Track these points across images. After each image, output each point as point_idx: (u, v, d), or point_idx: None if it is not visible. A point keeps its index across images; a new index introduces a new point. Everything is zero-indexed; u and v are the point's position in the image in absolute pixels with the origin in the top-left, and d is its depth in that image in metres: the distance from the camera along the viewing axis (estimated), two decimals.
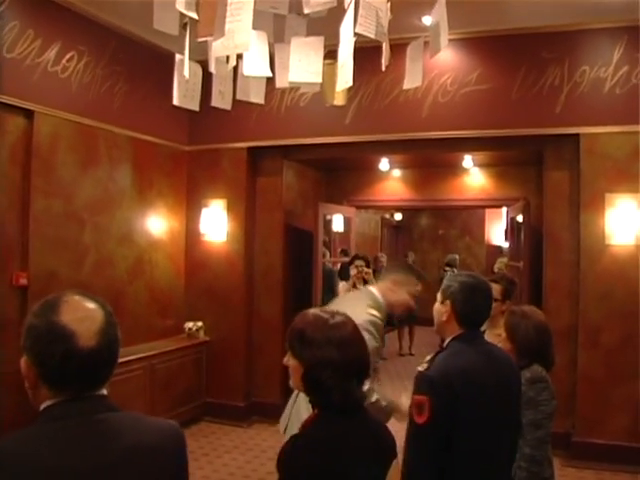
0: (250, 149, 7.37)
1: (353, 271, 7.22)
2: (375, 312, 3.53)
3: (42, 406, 1.44)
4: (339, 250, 9.10)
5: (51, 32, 5.70)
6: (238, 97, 3.83)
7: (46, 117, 5.71)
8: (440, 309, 2.67)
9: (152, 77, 6.89)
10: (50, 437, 1.38)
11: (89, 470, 1.35)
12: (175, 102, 3.47)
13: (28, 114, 5.60)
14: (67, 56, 5.89)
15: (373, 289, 3.76)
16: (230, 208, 7.37)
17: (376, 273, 7.21)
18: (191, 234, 7.58)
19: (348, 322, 1.96)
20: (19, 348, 4.50)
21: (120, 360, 4.91)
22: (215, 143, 7.48)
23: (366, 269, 7.27)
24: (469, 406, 2.37)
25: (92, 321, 1.43)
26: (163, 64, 6.70)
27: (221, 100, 3.56)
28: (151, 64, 6.89)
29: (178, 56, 3.37)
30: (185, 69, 3.14)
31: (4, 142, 5.42)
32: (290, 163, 7.69)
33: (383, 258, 11.98)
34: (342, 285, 7.37)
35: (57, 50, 5.77)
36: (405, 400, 3.28)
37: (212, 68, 3.35)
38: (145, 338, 6.74)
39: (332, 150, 7.20)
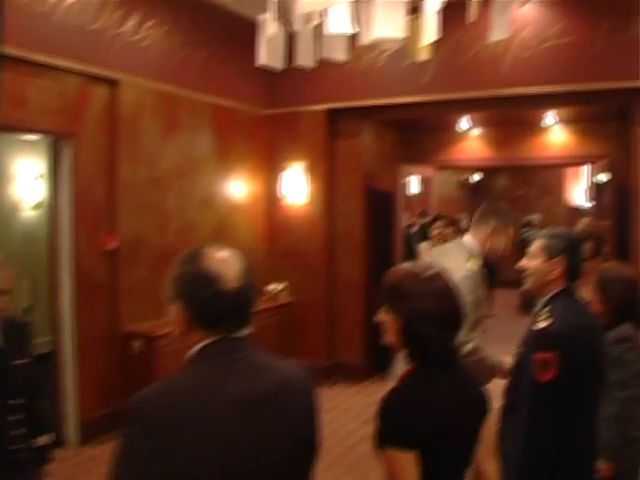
0: (329, 111, 7.36)
1: (435, 232, 7.18)
2: (472, 264, 3.48)
3: (197, 347, 1.56)
4: (418, 212, 9.05)
5: (131, 2, 5.81)
6: (322, 56, 3.81)
7: (129, 86, 5.85)
8: (546, 268, 2.67)
9: (230, 42, 6.95)
10: (209, 374, 1.51)
11: (250, 400, 1.49)
12: (260, 61, 3.49)
13: (112, 83, 5.75)
14: (147, 25, 5.99)
15: (467, 238, 3.68)
16: (310, 170, 7.41)
17: (457, 235, 7.13)
18: (271, 197, 7.67)
19: (442, 274, 1.98)
20: (109, 307, 4.70)
21: None
22: (293, 106, 7.50)
23: (447, 230, 7.20)
24: (585, 361, 2.39)
25: (233, 265, 1.57)
26: (240, 29, 6.80)
27: (305, 58, 3.55)
28: (228, 29, 6.94)
29: (262, 16, 3.38)
30: (270, 27, 3.14)
31: (91, 111, 5.60)
32: (369, 124, 7.65)
33: (464, 220, 11.83)
34: (423, 246, 7.33)
35: (137, 19, 5.88)
36: (507, 359, 3.26)
37: (296, 26, 3.35)
38: None
39: (411, 110, 7.13)
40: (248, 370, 1.53)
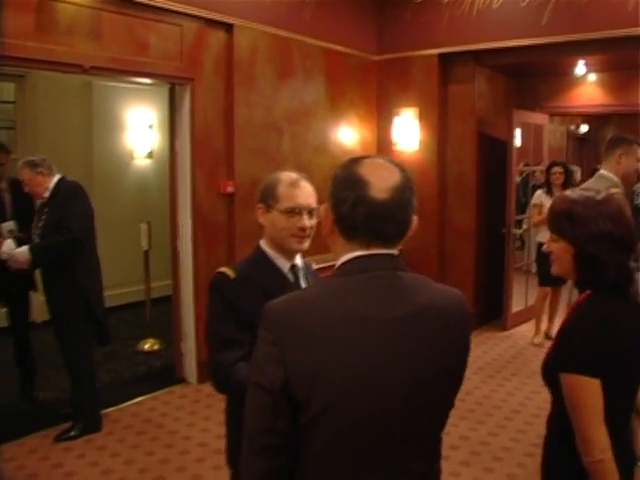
0: (441, 56, 7.17)
1: (552, 177, 6.94)
2: (618, 190, 3.59)
3: (338, 262, 1.50)
4: (522, 162, 8.77)
5: None
6: None
7: (244, 30, 5.85)
8: None
9: None
10: (350, 288, 1.44)
11: (387, 319, 1.41)
12: None
13: (228, 28, 5.76)
14: None
15: (603, 172, 3.88)
16: (421, 116, 7.27)
17: (567, 185, 6.86)
18: (383, 143, 7.57)
19: (613, 197, 1.90)
20: (226, 250, 4.82)
21: (319, 266, 5.08)
22: (404, 51, 7.35)
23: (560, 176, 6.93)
24: None
25: (388, 178, 1.47)
26: None
27: None
28: None
29: None
30: None
31: (208, 56, 5.64)
32: (482, 69, 7.42)
33: (577, 172, 11.40)
34: (539, 193, 7.11)
35: None
36: None
37: None
38: None
39: (526, 53, 6.84)
40: (387, 290, 1.45)
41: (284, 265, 2.29)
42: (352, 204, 1.44)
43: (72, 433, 4.73)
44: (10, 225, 5.07)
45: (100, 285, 4.89)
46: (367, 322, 1.40)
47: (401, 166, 1.53)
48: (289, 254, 2.30)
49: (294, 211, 2.22)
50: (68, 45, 4.67)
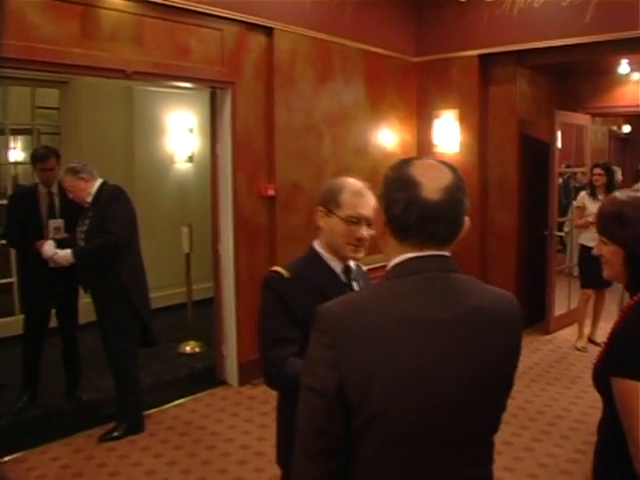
0: (481, 56, 7.11)
1: (592, 179, 6.84)
2: None
3: (390, 264, 1.50)
4: (564, 163, 8.66)
5: None
6: None
7: (284, 33, 5.88)
8: None
9: None
10: (403, 290, 1.44)
11: (441, 321, 1.41)
12: None
13: (268, 32, 5.80)
14: None
15: None
16: (462, 118, 7.22)
17: (610, 186, 6.74)
18: (423, 145, 7.54)
19: None
20: (267, 252, 4.85)
21: (374, 266, 4.98)
22: (444, 52, 7.30)
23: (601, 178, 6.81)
24: None
25: (440, 178, 1.46)
26: None
27: None
28: None
29: None
30: None
31: (249, 59, 5.68)
32: (523, 70, 7.34)
33: (618, 172, 11.21)
34: (582, 195, 7.01)
35: None
36: None
37: None
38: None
39: (568, 53, 6.75)
40: (440, 291, 1.44)
41: (337, 266, 2.30)
42: (404, 205, 1.44)
43: (116, 433, 4.79)
44: (58, 223, 5.17)
45: (145, 287, 4.95)
46: (421, 324, 1.40)
47: (452, 167, 1.52)
48: (343, 258, 2.30)
49: (354, 220, 2.23)
50: (111, 51, 4.74)
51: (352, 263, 2.35)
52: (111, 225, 4.60)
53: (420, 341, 1.39)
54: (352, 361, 1.37)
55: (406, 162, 1.51)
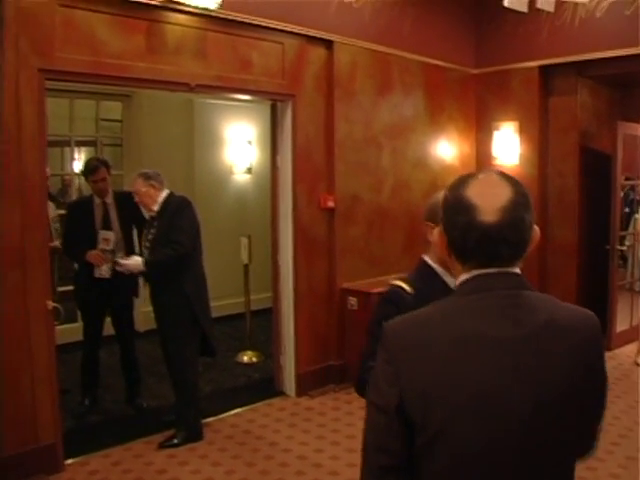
0: (541, 67, 7.02)
1: None
2: None
3: (457, 281, 1.50)
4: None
5: None
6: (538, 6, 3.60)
7: (344, 46, 5.92)
8: None
9: (439, 0, 6.83)
10: (469, 307, 1.43)
11: (506, 338, 1.38)
12: (505, 3, 3.36)
13: (328, 45, 5.85)
14: None
15: None
16: (522, 130, 7.14)
17: None
18: (482, 158, 7.48)
19: None
20: (326, 264, 4.86)
21: None
22: (503, 64, 7.24)
23: None
24: None
25: (497, 198, 1.43)
26: None
27: (545, 2, 3.38)
28: None
29: None
30: None
31: (309, 72, 5.73)
32: (584, 80, 7.22)
33: None
34: None
35: None
36: None
37: None
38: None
39: (631, 63, 6.56)
40: (507, 308, 1.41)
41: (451, 282, 2.29)
42: (462, 230, 1.43)
43: (175, 440, 4.85)
44: (107, 234, 5.24)
45: (206, 297, 5.01)
46: (484, 340, 1.38)
47: (513, 180, 1.48)
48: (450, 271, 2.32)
49: None
50: (176, 64, 4.84)
51: None
52: (181, 236, 4.68)
53: (483, 358, 1.37)
54: (410, 377, 1.37)
55: (463, 182, 1.48)
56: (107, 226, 5.34)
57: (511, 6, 3.31)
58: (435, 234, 1.55)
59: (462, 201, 1.44)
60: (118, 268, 4.87)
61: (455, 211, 1.45)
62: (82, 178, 8.85)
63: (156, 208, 4.84)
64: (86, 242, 5.22)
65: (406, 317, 1.49)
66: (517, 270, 1.47)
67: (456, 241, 1.46)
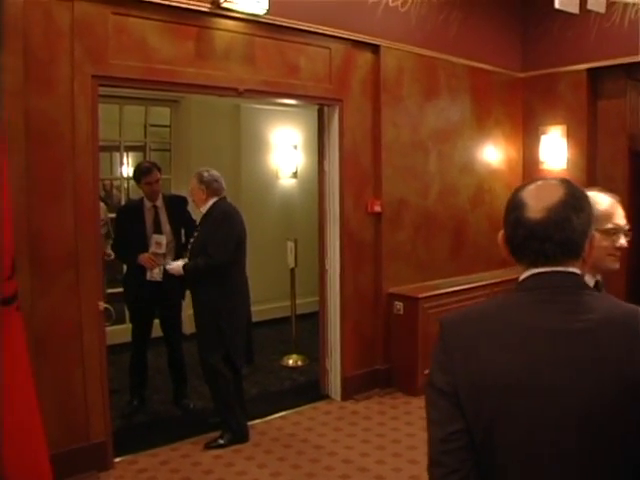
0: (590, 70, 6.92)
1: None
2: None
3: (520, 279, 1.55)
4: None
5: None
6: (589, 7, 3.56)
7: (390, 51, 5.92)
8: None
9: (484, 4, 6.81)
10: (521, 302, 1.49)
11: (561, 330, 1.41)
12: (556, 5, 3.32)
13: (375, 49, 5.86)
14: None
15: None
16: (569, 134, 7.04)
17: None
18: (529, 162, 7.40)
19: None
20: (373, 268, 4.85)
21: (463, 287, 5.03)
22: (551, 67, 7.16)
23: None
24: None
25: (546, 198, 1.48)
26: None
27: (595, 2, 3.34)
28: None
29: None
30: None
31: (356, 77, 5.75)
32: (634, 83, 7.08)
33: None
34: None
35: None
36: None
37: None
38: (486, 266, 6.74)
39: None
40: (562, 304, 1.44)
41: (590, 281, 2.28)
42: (514, 226, 1.51)
43: (221, 441, 4.89)
44: (160, 238, 5.33)
45: (242, 310, 5.04)
46: (539, 332, 1.42)
47: (570, 184, 1.52)
48: (597, 271, 2.31)
49: (613, 231, 2.33)
50: (224, 70, 4.90)
51: (598, 276, 2.33)
52: (211, 249, 4.72)
53: (535, 349, 1.41)
54: (463, 366, 1.44)
55: (525, 184, 1.57)
56: (158, 229, 5.42)
57: (562, 7, 3.27)
58: (499, 236, 1.59)
59: (516, 199, 1.53)
60: (169, 270, 4.96)
61: (510, 209, 1.53)
62: (130, 182, 9.04)
63: (203, 211, 4.91)
64: (137, 245, 5.31)
65: (465, 310, 1.57)
66: (574, 270, 1.50)
67: (511, 238, 1.53)
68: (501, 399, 1.39)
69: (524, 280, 1.52)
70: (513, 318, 1.46)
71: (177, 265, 4.89)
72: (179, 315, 5.74)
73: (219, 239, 4.76)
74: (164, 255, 5.29)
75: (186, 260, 4.92)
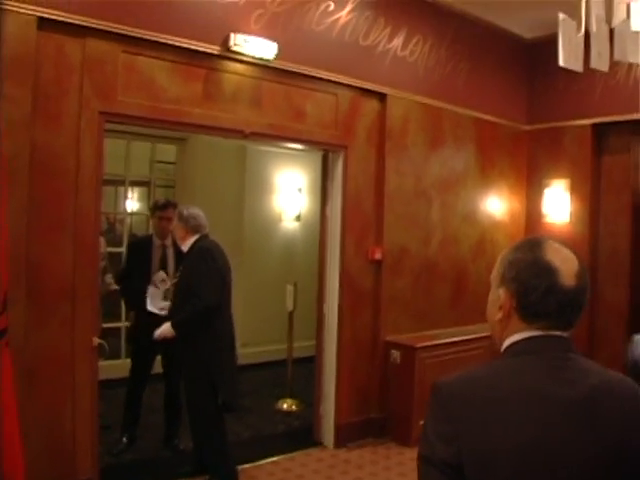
0: (595, 126, 6.97)
1: None
2: None
3: (507, 342, 1.51)
4: None
5: (398, 19, 5.93)
6: (616, 58, 3.60)
7: (397, 99, 5.97)
8: None
9: (491, 56, 6.90)
10: (524, 367, 1.44)
11: (561, 399, 1.38)
12: (561, 63, 3.34)
13: (381, 97, 5.91)
14: (413, 40, 6.07)
15: None
16: (573, 188, 7.06)
17: None
18: (532, 215, 7.41)
19: None
20: (371, 315, 4.80)
21: (461, 338, 5.01)
22: (556, 121, 7.21)
23: None
24: None
25: (572, 263, 1.48)
26: (502, 43, 6.85)
27: (599, 61, 3.37)
28: (490, 43, 6.89)
29: (562, 15, 3.25)
30: (572, 28, 3.02)
31: (362, 124, 5.80)
32: (639, 139, 7.14)
33: None
34: None
35: (404, 35, 5.99)
36: None
37: (593, 27, 3.18)
38: (485, 318, 6.68)
39: None
40: (562, 370, 1.42)
41: None
42: (544, 293, 1.44)
43: None
44: (161, 275, 5.29)
45: (228, 354, 4.83)
46: (544, 400, 1.38)
47: (572, 248, 1.53)
48: None
49: None
50: (231, 112, 4.94)
51: None
52: (200, 289, 4.57)
53: (543, 417, 1.37)
54: (472, 437, 1.36)
55: (535, 245, 1.51)
56: (164, 268, 5.41)
57: (566, 65, 3.28)
58: (495, 295, 1.54)
59: (542, 263, 1.46)
60: (158, 337, 4.79)
61: (535, 273, 1.46)
62: (133, 217, 9.07)
63: (185, 249, 4.84)
64: (142, 282, 5.27)
65: (462, 376, 1.49)
66: (567, 334, 1.50)
67: (533, 304, 1.46)
68: (513, 472, 1.34)
69: (518, 343, 1.48)
70: (518, 385, 1.41)
71: (165, 327, 4.71)
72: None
73: (204, 277, 4.60)
74: (168, 290, 5.23)
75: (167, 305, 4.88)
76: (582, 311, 1.49)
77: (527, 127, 7.44)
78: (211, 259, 4.70)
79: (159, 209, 5.50)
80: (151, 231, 5.95)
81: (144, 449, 5.52)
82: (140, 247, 5.60)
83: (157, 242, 5.51)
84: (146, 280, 5.30)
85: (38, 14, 3.90)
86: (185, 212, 4.84)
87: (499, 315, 1.52)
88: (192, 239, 4.80)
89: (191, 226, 4.80)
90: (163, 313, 5.11)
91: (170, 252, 5.50)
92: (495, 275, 1.56)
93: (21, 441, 3.28)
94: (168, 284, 5.26)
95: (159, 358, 5.55)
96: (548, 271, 1.44)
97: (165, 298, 5.19)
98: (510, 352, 1.49)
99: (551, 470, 1.34)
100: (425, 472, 1.42)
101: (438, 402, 1.43)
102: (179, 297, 4.77)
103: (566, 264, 1.46)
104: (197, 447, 4.97)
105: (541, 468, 1.34)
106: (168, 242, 5.49)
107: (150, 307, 5.18)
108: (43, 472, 3.97)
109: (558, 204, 7.13)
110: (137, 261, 5.44)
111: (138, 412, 5.56)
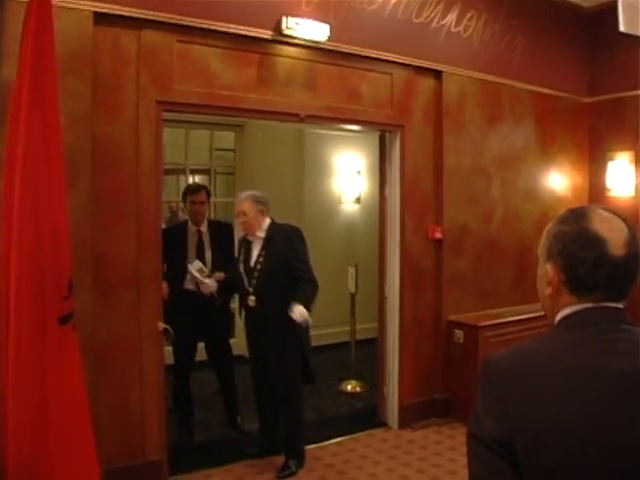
0: None
1: None
2: None
3: (558, 316, 1.46)
4: None
5: None
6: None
7: (453, 76, 5.89)
8: None
9: (548, 28, 6.71)
10: (577, 341, 1.40)
11: (616, 373, 1.34)
12: (621, 28, 3.24)
13: (437, 75, 5.84)
14: (467, 16, 5.95)
15: None
16: (638, 160, 6.85)
17: None
18: (595, 189, 7.23)
19: None
20: (433, 295, 4.76)
21: (526, 316, 4.92)
22: (618, 92, 6.98)
23: None
24: None
25: (620, 232, 1.41)
26: (560, 14, 6.64)
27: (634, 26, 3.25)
28: (547, 13, 6.69)
29: None
30: None
31: (418, 103, 5.74)
32: None
33: None
34: None
35: (458, 11, 5.87)
36: None
37: None
38: None
39: None
40: (615, 343, 1.37)
41: None
42: (593, 264, 1.40)
43: (292, 468, 4.82)
44: (198, 265, 5.18)
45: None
46: (595, 374, 1.34)
47: (622, 216, 1.47)
48: None
49: None
50: (286, 96, 4.96)
51: None
52: (309, 271, 4.73)
53: (594, 391, 1.33)
54: (522, 414, 1.34)
55: (580, 215, 1.46)
56: (201, 254, 5.34)
57: (627, 30, 3.18)
58: (543, 271, 1.49)
59: (589, 234, 1.41)
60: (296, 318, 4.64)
61: (582, 245, 1.41)
62: None
63: (261, 235, 4.79)
64: (178, 268, 5.20)
65: (513, 352, 1.46)
66: (622, 305, 1.44)
67: (582, 277, 1.42)
68: (565, 448, 1.31)
69: (576, 315, 1.43)
70: (569, 360, 1.37)
71: (302, 309, 4.60)
72: (227, 338, 5.71)
73: (308, 258, 4.77)
74: (209, 276, 5.19)
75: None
76: (636, 280, 1.43)
77: (588, 99, 7.24)
78: (304, 240, 4.83)
79: (191, 193, 5.45)
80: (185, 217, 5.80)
81: (210, 431, 5.63)
82: (175, 233, 5.43)
83: (192, 228, 5.42)
84: (182, 266, 5.19)
85: (94, 9, 3.99)
86: (259, 195, 4.84)
87: (548, 290, 1.48)
88: (267, 221, 4.83)
89: (267, 208, 4.84)
90: (214, 288, 5.12)
91: (206, 238, 5.43)
92: (541, 250, 1.51)
93: (92, 423, 3.38)
94: (206, 272, 5.18)
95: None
96: (595, 242, 1.39)
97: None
98: (561, 326, 1.45)
99: (603, 444, 1.31)
100: (473, 451, 1.41)
101: (487, 379, 1.42)
102: (278, 278, 4.70)
103: (614, 232, 1.40)
104: (273, 428, 5.08)
105: (593, 442, 1.31)
106: (204, 228, 5.43)
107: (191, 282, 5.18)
108: (113, 454, 4.10)
109: (622, 177, 6.93)
110: (172, 248, 5.10)
111: (190, 406, 5.51)
